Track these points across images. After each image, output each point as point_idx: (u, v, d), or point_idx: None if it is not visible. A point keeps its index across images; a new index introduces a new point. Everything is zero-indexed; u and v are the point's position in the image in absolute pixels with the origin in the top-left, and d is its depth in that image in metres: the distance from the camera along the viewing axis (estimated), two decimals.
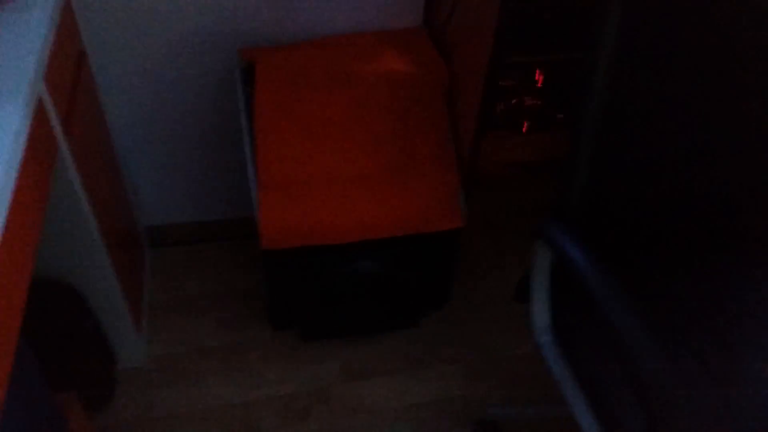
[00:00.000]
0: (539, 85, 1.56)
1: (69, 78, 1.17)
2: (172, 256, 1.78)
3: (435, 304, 1.64)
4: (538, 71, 1.52)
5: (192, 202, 1.74)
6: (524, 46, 1.31)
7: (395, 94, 1.35)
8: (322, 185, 1.32)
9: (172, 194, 1.71)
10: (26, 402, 0.95)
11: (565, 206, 1.00)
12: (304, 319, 1.53)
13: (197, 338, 1.59)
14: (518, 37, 1.27)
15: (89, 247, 1.23)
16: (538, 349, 1.04)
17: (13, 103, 0.86)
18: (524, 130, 1.55)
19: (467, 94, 1.37)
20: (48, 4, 1.03)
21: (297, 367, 1.54)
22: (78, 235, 1.20)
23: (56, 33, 1.07)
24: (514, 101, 1.54)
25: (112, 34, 1.37)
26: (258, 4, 1.39)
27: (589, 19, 0.98)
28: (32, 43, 0.96)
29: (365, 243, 1.35)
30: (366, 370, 1.54)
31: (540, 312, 1.04)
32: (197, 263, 1.77)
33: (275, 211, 1.30)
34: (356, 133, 1.33)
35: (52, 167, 1.00)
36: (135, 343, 1.48)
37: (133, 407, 1.45)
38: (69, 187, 1.11)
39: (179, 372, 1.52)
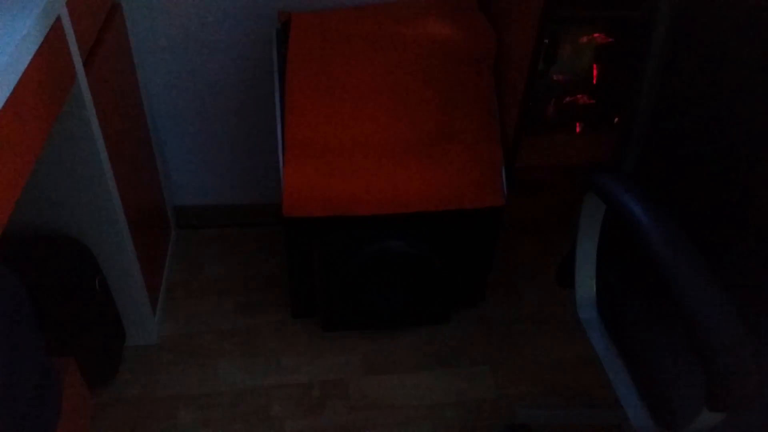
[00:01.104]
0: (594, 81, 1.46)
1: (97, 20, 1.14)
2: (197, 237, 1.72)
3: (468, 298, 1.52)
4: (595, 66, 1.43)
5: (223, 183, 1.68)
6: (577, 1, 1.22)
7: (438, 60, 1.26)
8: (353, 152, 1.23)
9: (203, 174, 1.66)
10: (16, 358, 0.87)
11: (621, 162, 0.89)
12: (325, 306, 1.43)
13: (213, 321, 1.50)
14: None
15: (104, 203, 1.17)
16: (579, 329, 0.91)
17: (27, 12, 0.83)
18: (577, 131, 1.45)
19: (514, 66, 1.28)
20: None
21: (315, 357, 1.43)
22: (92, 188, 1.14)
23: None
24: (567, 99, 1.45)
25: None
26: None
27: None
28: None
29: (397, 218, 1.24)
30: (388, 365, 1.42)
31: (585, 284, 0.92)
32: (222, 247, 1.70)
33: (300, 177, 1.21)
34: (394, 100, 1.25)
35: (66, 93, 0.95)
36: (148, 320, 1.40)
37: (136, 385, 1.36)
38: (85, 127, 1.06)
39: (190, 353, 1.43)
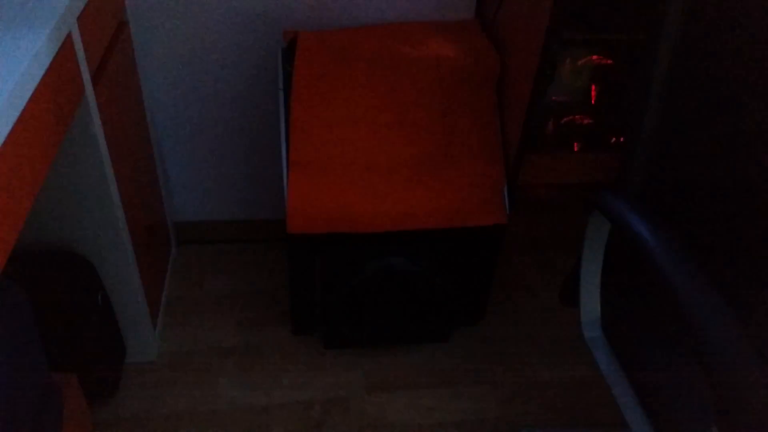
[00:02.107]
0: (593, 101, 1.48)
1: (105, 37, 1.15)
2: (197, 253, 1.71)
3: (470, 316, 1.52)
4: (594, 87, 1.45)
5: (224, 199, 1.68)
6: (580, 26, 1.24)
7: (442, 80, 1.28)
8: (357, 170, 1.24)
9: (203, 190, 1.66)
10: (16, 375, 0.87)
11: (624, 181, 0.90)
12: (327, 323, 1.43)
13: (214, 338, 1.50)
14: (575, 17, 1.20)
15: (108, 219, 1.17)
16: (585, 344, 0.92)
17: (40, 28, 0.84)
18: (575, 150, 1.47)
19: (517, 86, 1.30)
20: None
21: (316, 375, 1.43)
22: (97, 203, 1.14)
23: None
24: (566, 119, 1.46)
25: (157, 11, 1.35)
26: None
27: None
28: None
29: (399, 235, 1.25)
30: (390, 383, 1.42)
31: (590, 303, 0.92)
32: (222, 263, 1.69)
33: (304, 193, 1.22)
34: (397, 119, 1.26)
35: (74, 108, 0.95)
36: (148, 336, 1.39)
37: (135, 403, 1.35)
38: (92, 143, 1.06)
39: (190, 370, 1.42)
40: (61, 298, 1.14)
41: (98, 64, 1.09)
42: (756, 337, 0.87)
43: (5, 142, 0.70)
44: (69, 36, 0.92)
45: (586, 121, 1.47)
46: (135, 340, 1.39)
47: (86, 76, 1.00)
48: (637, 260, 0.72)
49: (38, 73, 0.80)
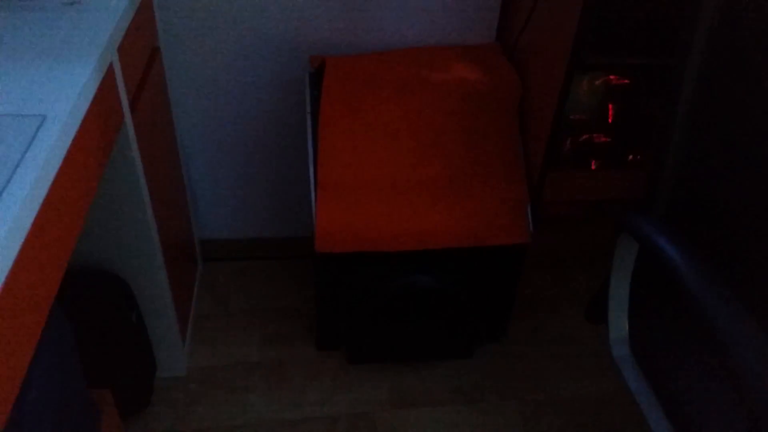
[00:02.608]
0: (610, 120, 1.50)
1: (141, 64, 1.19)
2: (223, 270, 1.75)
3: (493, 332, 1.54)
4: (610, 106, 1.47)
5: (248, 217, 1.72)
6: (602, 49, 1.26)
7: (466, 103, 1.31)
8: (383, 190, 1.27)
9: (229, 208, 1.69)
10: (61, 392, 0.90)
11: (651, 202, 0.92)
12: (352, 338, 1.45)
13: (241, 353, 1.53)
14: (597, 41, 1.23)
15: (144, 240, 1.20)
16: (613, 362, 0.93)
17: (86, 60, 0.88)
18: (593, 167, 1.49)
19: (540, 107, 1.32)
20: None
21: (341, 390, 1.45)
22: (134, 225, 1.18)
23: (134, 16, 1.10)
24: (583, 137, 1.48)
25: (188, 36, 1.39)
26: (333, 14, 1.40)
27: (673, 24, 0.95)
28: (111, 18, 1.00)
29: (424, 254, 1.28)
30: (414, 399, 1.44)
31: (618, 322, 0.94)
32: (248, 279, 1.73)
33: (332, 214, 1.25)
34: (422, 141, 1.29)
35: (115, 134, 0.99)
36: (178, 352, 1.42)
37: (166, 417, 1.38)
38: (130, 167, 1.10)
39: (218, 385, 1.45)
40: (98, 317, 1.17)
41: (135, 89, 1.13)
42: None
43: (61, 167, 0.74)
44: (111, 66, 0.96)
45: (603, 140, 1.50)
46: (165, 356, 1.42)
47: (125, 103, 1.04)
48: (664, 280, 0.74)
49: (86, 104, 0.84)
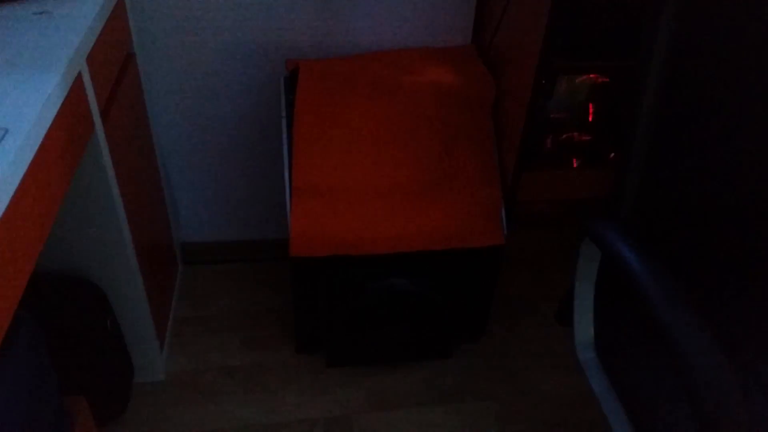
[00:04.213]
0: (590, 119, 1.52)
1: (113, 71, 1.19)
2: (203, 273, 1.75)
3: (470, 333, 1.55)
4: (591, 105, 1.48)
5: (228, 220, 1.72)
6: (572, 52, 1.27)
7: (440, 105, 1.31)
8: (358, 194, 1.27)
9: (209, 211, 1.70)
10: (31, 401, 0.90)
11: (615, 208, 0.93)
12: (330, 341, 1.46)
13: (219, 357, 1.53)
14: (566, 43, 1.24)
15: (117, 246, 1.20)
16: (579, 366, 0.95)
17: (52, 71, 0.88)
18: (574, 166, 1.50)
19: (513, 109, 1.33)
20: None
21: (319, 393, 1.46)
22: (107, 231, 1.18)
23: (105, 24, 1.10)
24: (564, 136, 1.50)
25: (164, 40, 1.39)
26: (309, 18, 1.40)
27: (639, 26, 0.96)
28: (80, 26, 1.00)
29: (400, 257, 1.28)
30: (392, 401, 1.45)
31: (583, 325, 0.95)
32: (227, 282, 1.73)
33: (307, 218, 1.25)
34: (397, 144, 1.29)
35: (84, 143, 0.99)
36: (155, 357, 1.43)
37: (143, 423, 1.38)
38: (102, 174, 1.10)
39: (197, 390, 1.46)
40: (71, 324, 1.17)
41: (107, 97, 1.13)
42: (743, 369, 0.91)
43: (23, 180, 0.74)
44: (79, 75, 0.96)
45: (584, 138, 1.51)
46: (142, 360, 1.42)
47: (95, 111, 1.04)
48: (628, 287, 0.75)
49: (51, 114, 0.84)
